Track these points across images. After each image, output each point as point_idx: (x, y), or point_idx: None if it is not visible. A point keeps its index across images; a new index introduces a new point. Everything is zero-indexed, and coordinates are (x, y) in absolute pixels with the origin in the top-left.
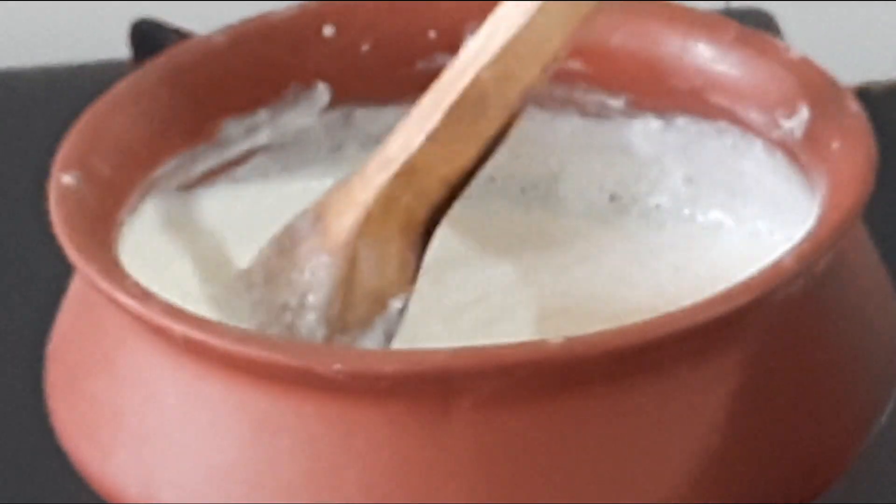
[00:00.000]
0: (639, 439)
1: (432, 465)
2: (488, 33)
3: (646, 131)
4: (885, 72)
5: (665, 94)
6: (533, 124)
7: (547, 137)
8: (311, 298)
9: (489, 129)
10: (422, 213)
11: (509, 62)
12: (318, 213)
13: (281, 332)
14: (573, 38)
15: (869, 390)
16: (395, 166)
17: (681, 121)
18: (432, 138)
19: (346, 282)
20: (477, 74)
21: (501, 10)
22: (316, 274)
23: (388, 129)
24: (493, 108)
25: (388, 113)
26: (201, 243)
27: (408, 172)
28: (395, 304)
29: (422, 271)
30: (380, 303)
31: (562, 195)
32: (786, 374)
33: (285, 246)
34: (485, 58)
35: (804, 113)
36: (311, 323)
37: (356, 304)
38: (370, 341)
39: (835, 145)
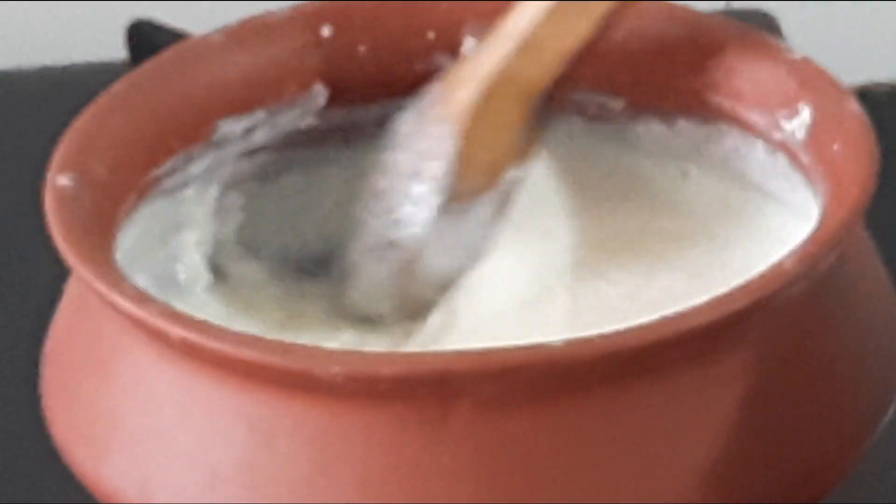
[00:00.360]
0: (639, 442)
1: (431, 468)
2: None
3: (647, 133)
4: (887, 72)
5: (666, 95)
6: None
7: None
8: (428, 166)
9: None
10: (540, 84)
11: None
12: (445, 83)
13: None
14: None
15: (871, 392)
16: (514, 41)
17: (682, 122)
18: (550, 12)
19: (462, 152)
20: None
21: None
22: (435, 142)
23: (387, 130)
24: None
25: (386, 113)
26: (198, 244)
27: (528, 47)
28: (509, 175)
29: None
30: (494, 174)
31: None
32: (788, 376)
33: (420, 110)
34: None
35: (805, 114)
36: (424, 193)
37: (470, 175)
38: (483, 211)
39: (836, 146)
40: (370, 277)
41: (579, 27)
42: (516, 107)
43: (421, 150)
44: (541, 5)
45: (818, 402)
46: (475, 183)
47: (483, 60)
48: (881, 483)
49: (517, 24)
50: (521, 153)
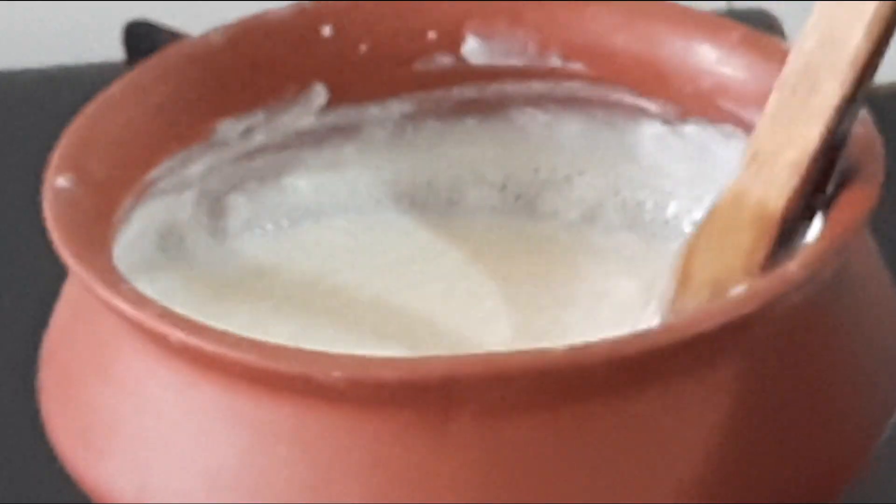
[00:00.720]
0: (641, 449)
1: (433, 474)
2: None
3: (651, 135)
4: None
5: (669, 97)
6: (534, 127)
7: (549, 141)
8: (659, 290)
9: (826, 102)
10: (775, 202)
11: (827, 26)
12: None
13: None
14: None
15: (875, 399)
16: (742, 156)
17: (685, 124)
18: (770, 119)
19: (683, 272)
20: (797, 46)
21: None
22: (669, 272)
23: (387, 132)
24: (825, 79)
25: (385, 114)
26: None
27: (752, 161)
28: (735, 292)
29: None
30: (718, 294)
31: (562, 200)
32: (791, 383)
33: None
34: (804, 29)
35: None
36: (650, 311)
37: (691, 295)
38: None
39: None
40: None
41: (805, 133)
42: (746, 226)
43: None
44: (765, 115)
45: (822, 408)
46: (696, 300)
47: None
48: (886, 489)
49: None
50: (748, 276)
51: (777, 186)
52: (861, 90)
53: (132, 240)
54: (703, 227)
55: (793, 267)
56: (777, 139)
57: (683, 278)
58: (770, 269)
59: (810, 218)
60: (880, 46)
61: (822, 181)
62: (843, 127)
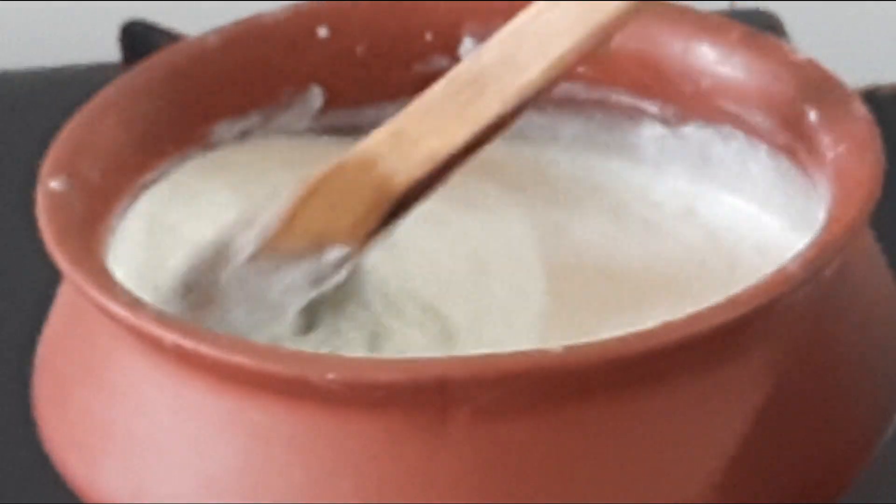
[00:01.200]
0: (641, 450)
1: (430, 476)
2: (513, 20)
3: (650, 135)
4: (892, 74)
5: (668, 97)
6: (533, 128)
7: (548, 142)
8: (260, 216)
9: (483, 114)
10: (400, 181)
11: (511, 48)
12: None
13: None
14: (585, 46)
15: (878, 397)
16: (387, 129)
17: (685, 125)
18: (425, 106)
19: (292, 212)
20: (479, 52)
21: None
22: (271, 205)
23: None
24: (489, 94)
25: (383, 116)
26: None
27: (394, 135)
28: (332, 253)
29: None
30: (316, 245)
31: (561, 199)
32: (792, 382)
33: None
34: (492, 40)
35: (810, 116)
36: (248, 237)
37: (292, 237)
38: (289, 276)
39: (841, 149)
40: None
41: (454, 131)
42: (365, 193)
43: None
44: (422, 99)
45: (824, 407)
46: (293, 245)
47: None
48: (889, 488)
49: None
50: (353, 239)
51: (408, 167)
52: (516, 116)
53: (127, 243)
54: (323, 177)
55: (793, 266)
56: (425, 125)
57: (289, 218)
58: (372, 240)
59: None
60: (549, 86)
61: (445, 177)
62: (486, 139)
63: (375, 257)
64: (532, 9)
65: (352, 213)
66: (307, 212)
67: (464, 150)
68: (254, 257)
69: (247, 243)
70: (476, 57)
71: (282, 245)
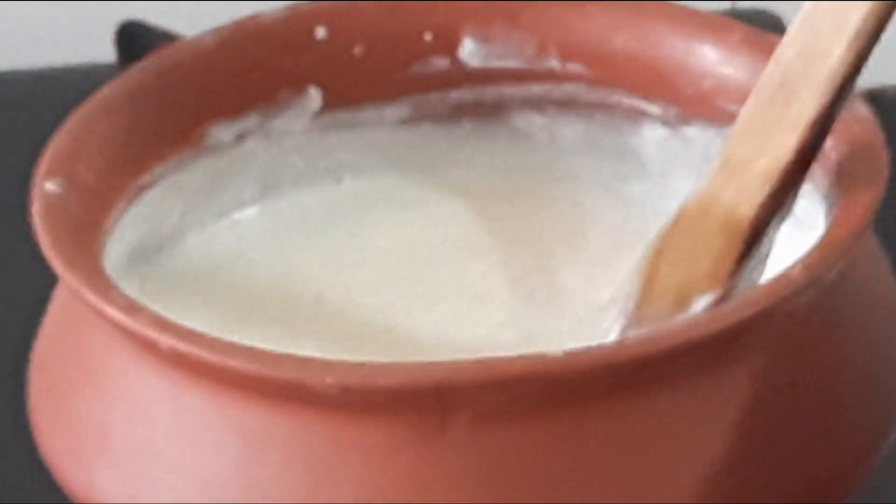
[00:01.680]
0: (641, 455)
1: (428, 481)
2: (801, 11)
3: (651, 137)
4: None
5: (670, 98)
6: (533, 130)
7: (547, 143)
8: (621, 293)
9: (803, 114)
10: (745, 210)
11: (808, 37)
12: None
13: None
14: (882, 8)
15: (880, 403)
16: (716, 159)
17: (687, 126)
18: (743, 126)
19: (648, 276)
20: (776, 55)
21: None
22: (630, 274)
23: (383, 134)
24: (802, 91)
25: (382, 118)
26: (191, 252)
27: (723, 167)
28: (701, 301)
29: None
30: (683, 299)
31: (561, 202)
32: (794, 388)
33: None
34: (786, 35)
35: None
36: (611, 316)
37: (655, 299)
38: None
39: (845, 151)
40: None
41: (780, 142)
42: (715, 233)
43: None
44: (739, 120)
45: (825, 413)
46: (661, 309)
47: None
48: (892, 494)
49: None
50: (716, 283)
51: (747, 194)
52: (838, 104)
53: (123, 246)
54: (669, 231)
55: (795, 270)
56: (750, 147)
57: (648, 283)
58: (737, 276)
59: (778, 226)
60: (860, 61)
61: (794, 190)
62: (818, 139)
63: None
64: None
65: (707, 258)
66: (663, 270)
67: (797, 160)
68: (625, 332)
69: (612, 322)
70: (775, 59)
71: (647, 312)
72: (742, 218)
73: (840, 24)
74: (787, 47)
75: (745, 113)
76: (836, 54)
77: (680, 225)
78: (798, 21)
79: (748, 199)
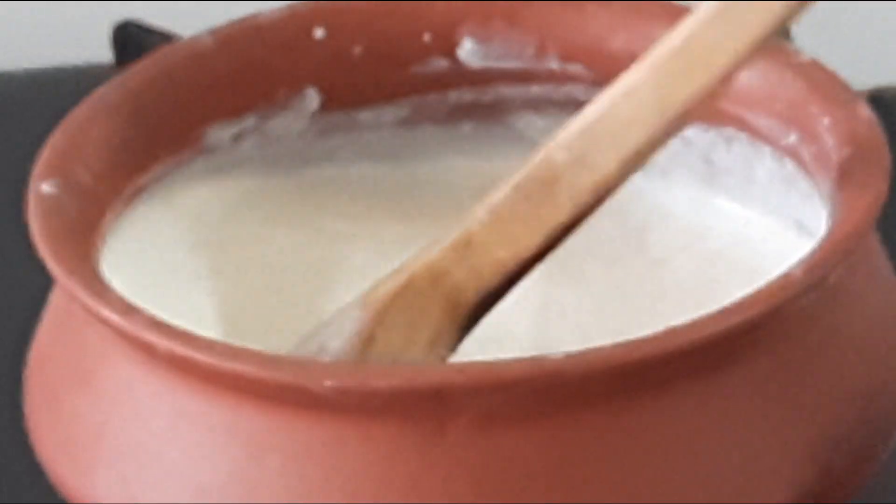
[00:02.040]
0: (642, 459)
1: (428, 485)
2: (582, 113)
3: None
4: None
5: None
6: (533, 132)
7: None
8: (330, 345)
9: (555, 217)
10: (470, 294)
11: (584, 146)
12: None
13: None
14: (662, 137)
15: (884, 406)
16: (449, 238)
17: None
18: (493, 213)
19: (367, 338)
20: (550, 151)
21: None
22: (341, 324)
23: (381, 136)
24: (562, 195)
25: (380, 119)
26: (187, 253)
27: (462, 245)
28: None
29: None
30: (402, 360)
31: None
32: (797, 389)
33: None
34: (561, 137)
35: (814, 119)
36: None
37: (373, 358)
38: None
39: (846, 152)
40: None
41: (524, 238)
42: (438, 307)
43: (330, 328)
44: (490, 203)
45: (828, 416)
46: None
47: (412, 262)
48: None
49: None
50: (433, 355)
51: (478, 281)
52: (588, 216)
53: (120, 248)
54: (393, 295)
55: (797, 271)
56: (494, 234)
57: (367, 342)
58: (452, 350)
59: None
60: (627, 178)
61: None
62: (560, 241)
63: None
64: (603, 100)
65: (427, 329)
66: (383, 332)
67: (535, 258)
68: None
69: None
70: (545, 158)
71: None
72: (467, 300)
73: (618, 144)
74: (560, 150)
75: (497, 199)
76: (608, 170)
77: (406, 289)
78: (578, 126)
79: (477, 285)
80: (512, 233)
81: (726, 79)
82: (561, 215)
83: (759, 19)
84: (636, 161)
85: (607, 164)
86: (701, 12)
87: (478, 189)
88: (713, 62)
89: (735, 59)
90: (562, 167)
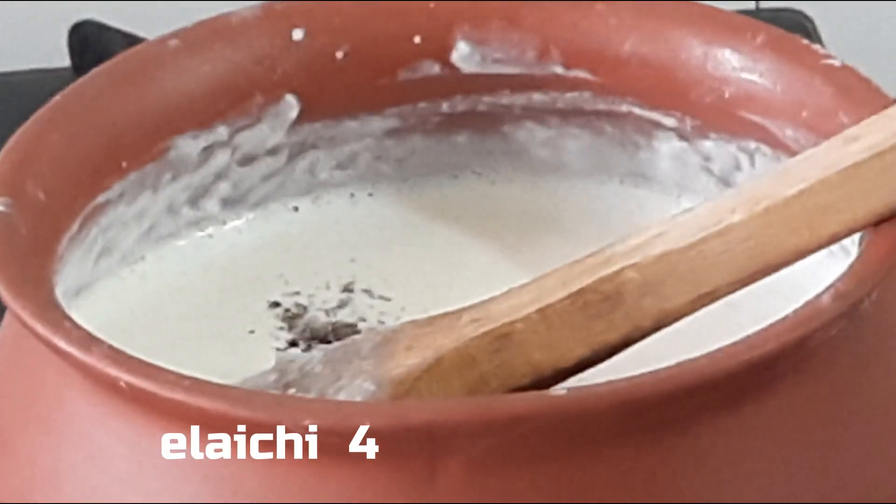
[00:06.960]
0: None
1: None
2: (657, 232)
3: (666, 151)
4: None
5: (686, 108)
6: (533, 145)
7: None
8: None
9: (608, 335)
10: (494, 388)
11: (661, 274)
12: (387, 337)
13: None
14: (748, 280)
15: None
16: (489, 325)
17: (705, 139)
18: (543, 314)
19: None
20: (622, 268)
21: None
22: (353, 397)
23: (366, 148)
24: (621, 315)
25: (365, 129)
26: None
27: (500, 338)
28: None
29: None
30: None
31: (568, 222)
32: (826, 425)
33: (336, 355)
34: (638, 256)
35: (845, 129)
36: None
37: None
38: None
39: None
40: None
41: (569, 348)
42: (460, 383)
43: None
44: (540, 300)
45: (858, 450)
46: None
47: (441, 336)
48: None
49: (504, 309)
50: None
51: (505, 377)
52: (643, 339)
53: (77, 272)
54: (419, 372)
55: (826, 298)
56: (538, 335)
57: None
58: None
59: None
60: (686, 315)
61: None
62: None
63: None
64: (691, 226)
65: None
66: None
67: (573, 368)
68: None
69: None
70: (616, 274)
71: None
72: (489, 391)
73: (698, 281)
74: (633, 270)
75: (553, 299)
76: (678, 304)
77: (427, 377)
78: (658, 251)
79: (504, 382)
80: (557, 339)
81: (832, 244)
82: (614, 335)
83: (889, 190)
84: (709, 300)
85: (679, 297)
86: (823, 161)
87: (474, 208)
88: (823, 225)
89: (848, 228)
90: (630, 288)
